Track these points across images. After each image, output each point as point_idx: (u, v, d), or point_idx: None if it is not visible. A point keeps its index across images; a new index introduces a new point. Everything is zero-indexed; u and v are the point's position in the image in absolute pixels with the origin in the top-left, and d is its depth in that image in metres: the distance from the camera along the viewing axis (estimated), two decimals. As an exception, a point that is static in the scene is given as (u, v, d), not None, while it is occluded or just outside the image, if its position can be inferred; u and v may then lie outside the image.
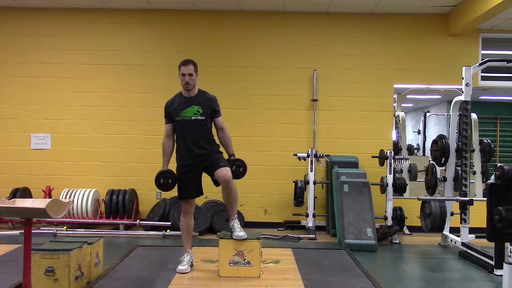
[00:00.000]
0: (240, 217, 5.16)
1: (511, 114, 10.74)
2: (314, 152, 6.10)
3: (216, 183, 4.01)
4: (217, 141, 4.17)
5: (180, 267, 4.04)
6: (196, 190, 4.09)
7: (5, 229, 5.99)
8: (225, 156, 4.16)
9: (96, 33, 6.62)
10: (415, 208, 5.95)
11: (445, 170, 5.75)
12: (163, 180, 4.05)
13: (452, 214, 5.53)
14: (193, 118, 3.97)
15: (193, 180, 4.04)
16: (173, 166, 4.15)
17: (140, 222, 6.12)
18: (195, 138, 3.97)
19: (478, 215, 5.07)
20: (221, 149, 4.16)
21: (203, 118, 3.99)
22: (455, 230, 5.50)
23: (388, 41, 6.58)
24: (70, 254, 3.39)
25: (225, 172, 3.89)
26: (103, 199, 6.25)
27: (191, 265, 4.14)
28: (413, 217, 6.12)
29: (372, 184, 5.96)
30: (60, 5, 6.48)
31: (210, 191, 6.32)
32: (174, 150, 4.14)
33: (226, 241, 3.92)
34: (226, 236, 3.98)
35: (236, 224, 4.00)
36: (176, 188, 4.11)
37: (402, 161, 6.21)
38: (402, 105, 7.39)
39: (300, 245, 5.53)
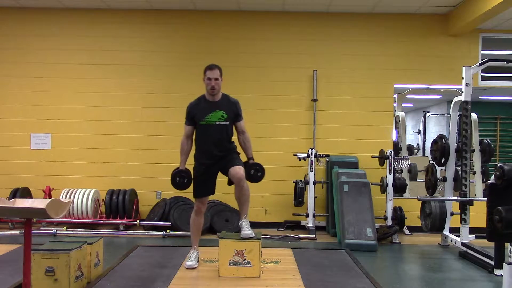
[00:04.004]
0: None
1: (511, 114, 10.76)
2: (314, 152, 6.09)
3: (230, 182, 4.05)
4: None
5: (188, 263, 4.11)
6: (211, 189, 4.14)
7: (5, 229, 5.99)
8: (243, 159, 4.18)
9: (96, 33, 6.62)
10: (415, 208, 5.95)
11: (445, 170, 5.74)
12: (179, 179, 4.11)
13: (452, 214, 5.53)
14: (217, 123, 4.02)
15: (209, 179, 4.10)
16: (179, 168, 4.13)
17: (140, 222, 6.12)
18: (218, 142, 4.04)
19: (478, 215, 5.06)
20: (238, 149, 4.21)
21: (227, 123, 4.05)
22: (455, 230, 5.50)
23: (388, 41, 6.58)
24: (70, 254, 3.39)
25: (238, 170, 3.94)
26: (103, 199, 6.25)
27: (198, 261, 4.20)
28: (413, 217, 6.11)
29: (372, 184, 5.96)
30: (60, 5, 6.48)
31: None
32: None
33: (226, 241, 3.92)
34: (226, 236, 3.98)
35: (245, 223, 4.02)
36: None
37: (402, 161, 6.21)
38: (402, 105, 7.40)
39: (300, 245, 5.53)
